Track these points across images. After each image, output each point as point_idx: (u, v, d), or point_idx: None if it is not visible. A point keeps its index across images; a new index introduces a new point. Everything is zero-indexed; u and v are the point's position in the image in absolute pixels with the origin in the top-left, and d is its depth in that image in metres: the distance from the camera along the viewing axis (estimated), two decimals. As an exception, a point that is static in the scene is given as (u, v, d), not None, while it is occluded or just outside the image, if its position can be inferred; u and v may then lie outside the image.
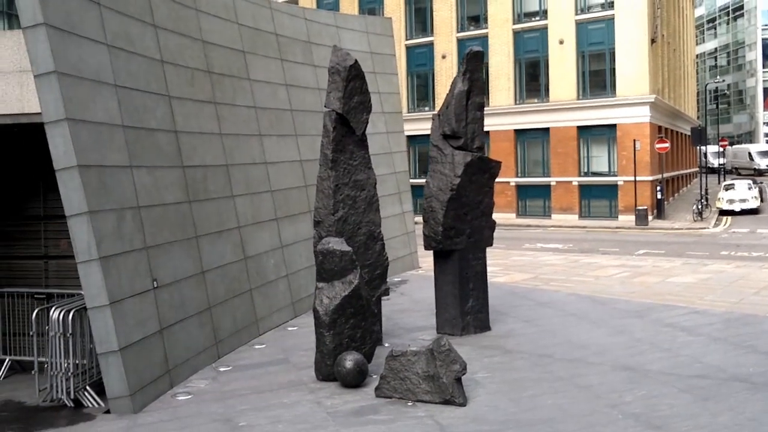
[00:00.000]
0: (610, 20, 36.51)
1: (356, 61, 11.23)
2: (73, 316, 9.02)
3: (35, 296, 10.00)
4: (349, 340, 9.82)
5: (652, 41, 36.97)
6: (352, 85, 11.18)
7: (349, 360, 9.40)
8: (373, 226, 11.60)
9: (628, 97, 35.73)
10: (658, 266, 19.72)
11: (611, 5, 36.55)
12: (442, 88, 41.34)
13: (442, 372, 8.70)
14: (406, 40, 42.81)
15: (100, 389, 9.10)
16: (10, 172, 11.26)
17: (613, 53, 36.40)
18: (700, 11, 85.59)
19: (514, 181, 39.50)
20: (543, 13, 38.54)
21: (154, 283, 9.69)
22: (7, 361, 10.39)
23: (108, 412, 8.78)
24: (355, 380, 9.39)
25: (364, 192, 11.55)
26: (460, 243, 12.07)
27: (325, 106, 11.29)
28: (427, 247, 12.22)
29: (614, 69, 36.39)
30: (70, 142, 8.40)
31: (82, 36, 9.01)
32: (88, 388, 9.09)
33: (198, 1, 12.47)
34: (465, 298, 12.13)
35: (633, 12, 35.70)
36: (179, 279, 10.40)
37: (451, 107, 12.09)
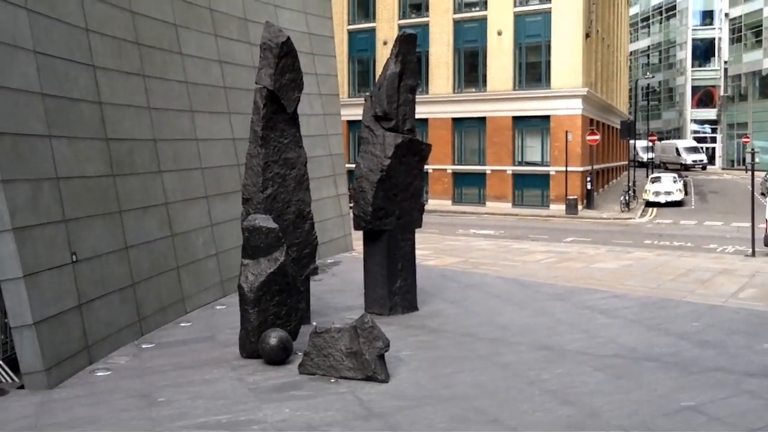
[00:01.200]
0: (548, 14, 37.10)
1: (288, 37, 11.11)
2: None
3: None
4: (274, 317, 9.78)
5: (587, 36, 37.73)
6: (284, 62, 11.07)
7: (273, 337, 9.37)
8: (302, 205, 11.55)
9: (562, 89, 36.45)
10: (583, 253, 20.25)
11: (549, -1, 37.17)
12: (381, 74, 41.35)
13: (365, 349, 8.75)
14: (348, 24, 42.64)
15: (15, 365, 8.82)
16: None
17: (549, 46, 37.04)
18: (635, 9, 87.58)
19: (450, 168, 39.87)
20: (483, 4, 38.90)
21: (73, 256, 9.44)
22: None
23: (22, 387, 8.53)
24: (278, 357, 9.36)
25: (295, 170, 11.49)
26: (390, 224, 12.14)
27: (255, 83, 11.15)
28: (356, 228, 12.26)
29: (549, 61, 37.04)
30: (-18, 108, 8.10)
31: (-1, -2, 8.67)
32: (1, 363, 8.80)
33: (127, -30, 12.14)
34: (393, 279, 12.21)
35: (569, 6, 36.38)
36: (100, 254, 10.16)
37: (383, 89, 12.12)
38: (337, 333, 8.98)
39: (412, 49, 12.37)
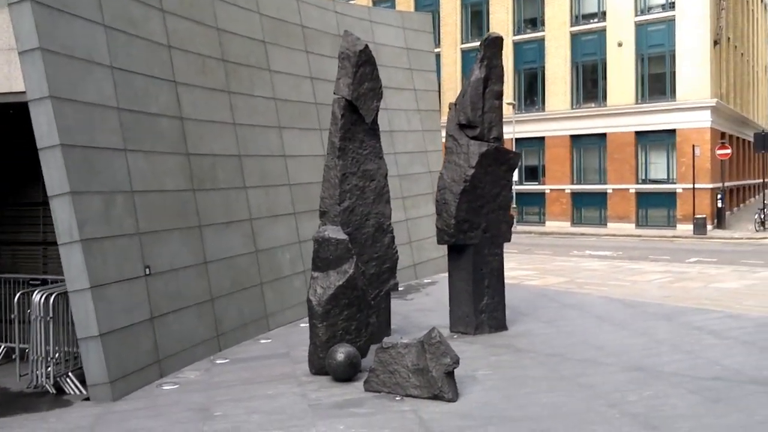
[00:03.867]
0: (671, 21, 35.25)
1: (366, 45, 10.82)
2: (58, 301, 8.87)
3: (31, 282, 9.92)
4: (343, 332, 9.42)
5: (715, 43, 35.46)
6: (362, 70, 10.77)
7: (341, 352, 8.99)
8: (382, 218, 11.14)
9: (689, 101, 34.35)
10: (704, 273, 18.68)
11: (672, 6, 35.29)
12: (495, 93, 40.61)
13: (432, 365, 8.21)
14: (462, 43, 42.29)
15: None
16: (9, 156, 11.27)
17: (674, 56, 35.09)
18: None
19: (569, 188, 38.41)
20: (602, 15, 37.50)
21: (147, 270, 9.50)
22: (1, 347, 10.32)
23: (88, 399, 8.59)
24: (345, 374, 8.97)
25: (374, 182, 11.11)
26: (475, 237, 11.54)
27: (333, 93, 10.94)
28: (439, 241, 11.73)
29: (674, 72, 35.06)
30: (53, 121, 8.28)
31: (75, 15, 8.91)
32: (70, 374, 8.93)
33: (213, -11, 12.34)
34: (479, 296, 11.58)
35: (695, 13, 34.35)
36: (176, 268, 10.19)
37: (467, 95, 11.61)
38: (404, 348, 8.49)
39: (497, 53, 11.81)
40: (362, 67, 10.74)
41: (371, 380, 8.61)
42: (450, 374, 8.25)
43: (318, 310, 9.35)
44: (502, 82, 11.90)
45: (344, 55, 10.75)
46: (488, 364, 9.66)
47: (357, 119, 10.85)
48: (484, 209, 11.62)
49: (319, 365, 9.32)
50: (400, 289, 15.81)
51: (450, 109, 11.97)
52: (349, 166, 10.79)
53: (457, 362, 8.23)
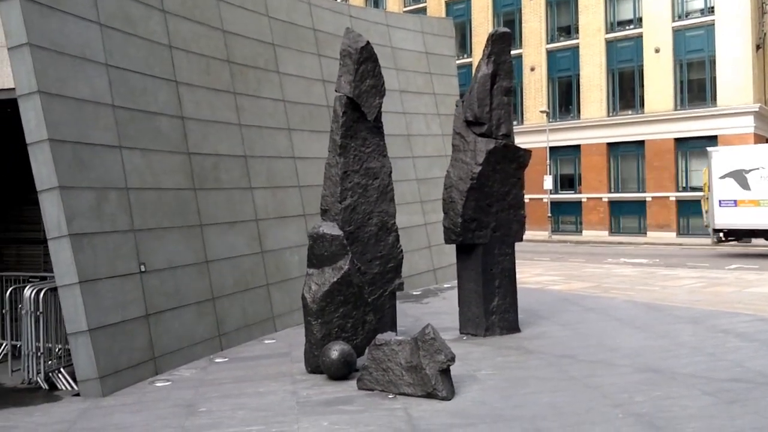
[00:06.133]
0: (710, 26, 34.37)
1: (368, 42, 10.58)
2: (48, 297, 8.79)
3: (30, 280, 9.89)
4: (338, 329, 9.15)
5: (757, 47, 34.43)
6: (363, 67, 10.54)
7: (335, 350, 8.71)
8: (386, 217, 10.83)
9: (730, 107, 33.34)
10: (741, 278, 17.89)
11: (711, 10, 34.43)
12: (530, 102, 40.13)
13: (426, 363, 7.88)
14: (495, 54, 41.79)
15: (80, 374, 8.80)
16: (9, 154, 11.28)
17: (714, 61, 34.18)
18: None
19: (606, 197, 37.57)
20: (638, 21, 36.79)
21: (142, 266, 9.37)
22: (5, 345, 10.29)
23: (78, 394, 8.47)
24: (339, 372, 8.68)
25: (377, 180, 10.83)
26: (484, 237, 11.17)
27: (335, 90, 10.73)
28: (447, 241, 11.40)
29: (715, 78, 34.13)
30: (41, 115, 8.24)
31: (67, 12, 8.90)
32: (62, 370, 8.82)
33: (219, -9, 12.30)
34: (489, 297, 11.19)
35: (735, 17, 33.42)
36: (175, 266, 10.05)
37: (474, 92, 11.29)
38: (397, 346, 8.18)
39: (506, 48, 11.48)
40: (364, 64, 10.50)
41: (364, 378, 8.30)
42: (445, 372, 7.91)
43: (312, 307, 9.10)
44: (511, 78, 11.54)
45: (345, 52, 10.54)
46: (493, 364, 9.27)
47: (359, 117, 10.59)
48: (493, 208, 11.25)
49: (315, 363, 9.05)
50: (417, 293, 15.60)
51: (457, 106, 11.67)
52: (351, 163, 10.53)
53: (452, 359, 7.88)
